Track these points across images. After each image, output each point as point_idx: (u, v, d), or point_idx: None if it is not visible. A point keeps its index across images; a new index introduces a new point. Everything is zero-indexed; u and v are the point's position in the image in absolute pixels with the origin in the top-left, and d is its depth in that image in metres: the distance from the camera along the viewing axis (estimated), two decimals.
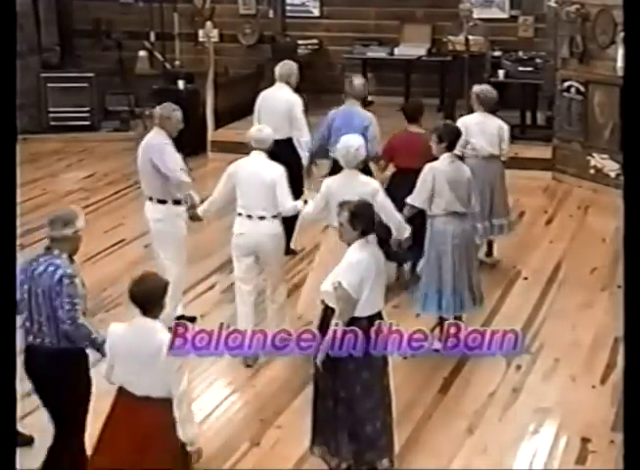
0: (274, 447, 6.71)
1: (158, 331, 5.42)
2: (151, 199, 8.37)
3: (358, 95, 9.59)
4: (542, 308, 8.85)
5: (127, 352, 5.42)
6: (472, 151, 9.35)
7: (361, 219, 6.06)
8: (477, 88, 9.65)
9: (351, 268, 5.99)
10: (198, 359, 8.07)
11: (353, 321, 6.02)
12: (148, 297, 5.40)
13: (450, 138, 7.95)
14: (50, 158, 13.92)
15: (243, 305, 8.02)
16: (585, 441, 6.75)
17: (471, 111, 9.81)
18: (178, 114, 8.29)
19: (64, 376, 5.89)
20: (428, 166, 7.91)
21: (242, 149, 11.65)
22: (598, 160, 12.10)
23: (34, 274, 5.85)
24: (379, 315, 6.17)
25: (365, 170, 8.71)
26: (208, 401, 7.37)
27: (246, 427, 6.97)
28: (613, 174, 11.87)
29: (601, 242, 10.33)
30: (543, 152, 12.68)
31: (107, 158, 13.67)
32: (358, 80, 9.65)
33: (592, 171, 12.20)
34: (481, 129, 9.31)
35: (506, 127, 9.49)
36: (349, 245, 6.10)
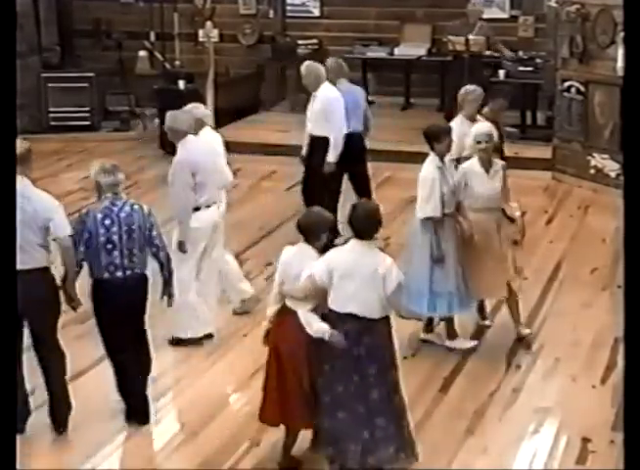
0: (274, 447, 6.70)
1: (311, 255, 6.23)
2: (215, 203, 8.24)
3: (346, 73, 10.24)
4: (542, 308, 8.85)
5: (294, 272, 6.22)
6: None
7: (354, 220, 6.18)
8: None
9: (322, 258, 6.19)
10: (197, 359, 8.09)
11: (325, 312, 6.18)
12: (309, 227, 6.26)
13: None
14: (50, 158, 13.90)
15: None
16: (585, 441, 6.74)
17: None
18: None
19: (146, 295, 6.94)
20: None
21: (242, 148, 11.75)
22: (598, 160, 12.10)
23: (121, 215, 6.77)
24: (359, 318, 6.12)
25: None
26: (209, 401, 7.37)
27: (246, 427, 6.97)
28: (613, 174, 11.87)
29: (601, 242, 10.33)
30: (543, 152, 12.68)
31: (107, 158, 13.53)
32: (339, 59, 10.29)
33: (592, 171, 12.19)
34: None
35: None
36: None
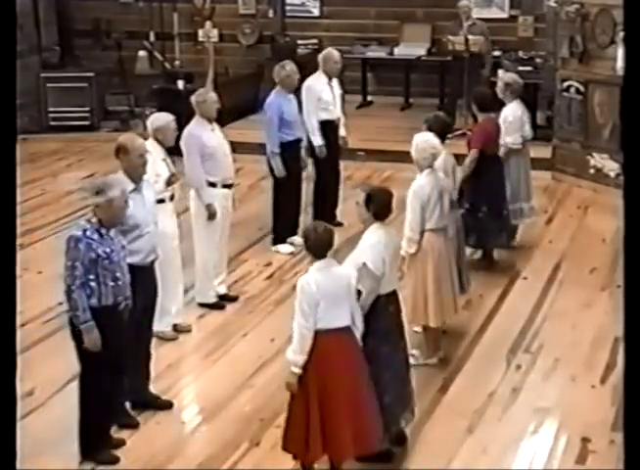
0: (274, 447, 6.70)
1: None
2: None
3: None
4: (542, 308, 8.85)
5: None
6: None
7: (375, 203, 6.38)
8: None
9: (372, 249, 6.28)
10: (198, 359, 8.10)
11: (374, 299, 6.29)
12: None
13: (441, 129, 8.17)
14: (50, 158, 13.92)
15: None
16: (585, 441, 6.74)
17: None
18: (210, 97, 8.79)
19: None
20: None
21: (242, 148, 11.74)
22: (598, 159, 12.10)
23: None
24: (394, 292, 6.45)
25: None
26: (208, 401, 7.37)
27: (246, 427, 6.97)
28: (612, 174, 11.87)
29: (601, 242, 10.33)
30: (543, 152, 12.66)
31: (107, 158, 13.50)
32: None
33: (592, 171, 12.19)
34: None
35: None
36: (366, 226, 6.43)
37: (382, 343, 6.33)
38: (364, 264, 6.22)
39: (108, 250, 6.28)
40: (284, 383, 6.19)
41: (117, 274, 6.34)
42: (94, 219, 6.32)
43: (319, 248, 6.00)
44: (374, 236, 6.33)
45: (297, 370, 6.01)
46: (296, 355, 6.00)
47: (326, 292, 5.92)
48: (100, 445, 6.55)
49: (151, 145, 7.85)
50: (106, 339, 6.30)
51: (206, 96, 8.72)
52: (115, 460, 6.58)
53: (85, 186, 6.48)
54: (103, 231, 6.31)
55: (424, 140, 7.59)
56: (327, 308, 5.92)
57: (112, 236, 6.35)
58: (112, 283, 6.31)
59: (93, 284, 6.26)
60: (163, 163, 8.04)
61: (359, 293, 6.23)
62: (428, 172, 7.55)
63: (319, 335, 5.95)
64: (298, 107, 10.26)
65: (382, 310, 6.32)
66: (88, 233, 6.27)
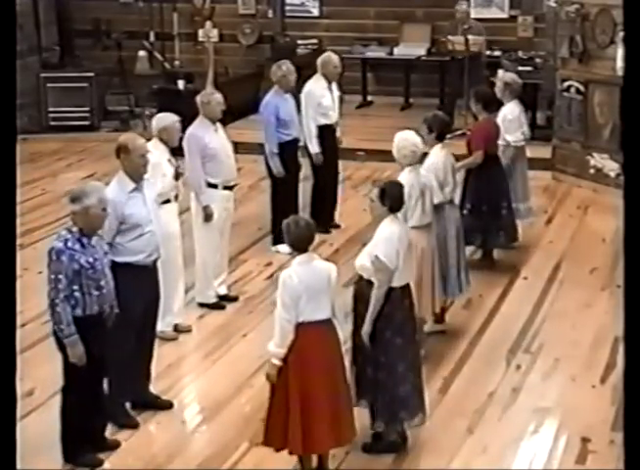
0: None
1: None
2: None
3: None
4: (542, 308, 8.85)
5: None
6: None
7: (390, 196, 6.39)
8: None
9: (386, 242, 6.33)
10: (198, 359, 8.10)
11: (389, 291, 6.34)
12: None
13: (440, 128, 8.19)
14: (50, 158, 13.92)
15: None
16: (585, 440, 6.74)
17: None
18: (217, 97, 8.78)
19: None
20: None
21: (242, 148, 11.74)
22: (598, 159, 12.10)
23: None
24: (408, 286, 6.52)
25: None
26: (208, 401, 7.37)
27: (246, 427, 6.97)
28: (613, 174, 11.87)
29: (601, 242, 10.33)
30: (543, 152, 12.67)
31: (107, 158, 13.55)
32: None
33: (592, 171, 12.19)
34: None
35: None
36: (379, 221, 6.44)
37: (397, 335, 6.39)
38: (376, 257, 6.27)
39: (91, 259, 6.21)
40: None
41: (101, 283, 6.27)
42: (74, 228, 6.24)
43: (300, 242, 6.06)
44: (388, 229, 6.38)
45: (278, 362, 6.04)
46: (276, 348, 6.03)
47: (307, 285, 5.96)
48: (83, 449, 6.54)
49: (154, 145, 7.85)
50: (90, 347, 6.26)
51: (211, 97, 8.70)
52: (99, 463, 6.56)
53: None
54: (84, 240, 6.22)
55: (403, 138, 7.60)
56: (308, 302, 5.96)
57: (93, 244, 6.27)
58: (96, 292, 6.25)
59: (77, 294, 6.20)
60: (169, 163, 8.06)
61: (371, 284, 6.31)
62: (409, 170, 7.57)
63: (301, 328, 5.98)
64: (297, 107, 10.25)
65: (398, 303, 6.40)
66: (69, 244, 6.18)
